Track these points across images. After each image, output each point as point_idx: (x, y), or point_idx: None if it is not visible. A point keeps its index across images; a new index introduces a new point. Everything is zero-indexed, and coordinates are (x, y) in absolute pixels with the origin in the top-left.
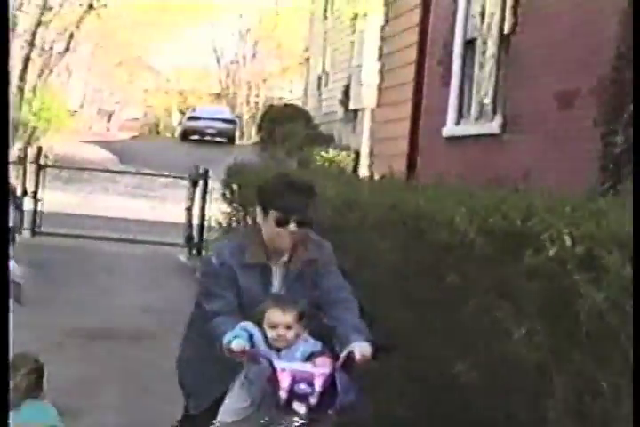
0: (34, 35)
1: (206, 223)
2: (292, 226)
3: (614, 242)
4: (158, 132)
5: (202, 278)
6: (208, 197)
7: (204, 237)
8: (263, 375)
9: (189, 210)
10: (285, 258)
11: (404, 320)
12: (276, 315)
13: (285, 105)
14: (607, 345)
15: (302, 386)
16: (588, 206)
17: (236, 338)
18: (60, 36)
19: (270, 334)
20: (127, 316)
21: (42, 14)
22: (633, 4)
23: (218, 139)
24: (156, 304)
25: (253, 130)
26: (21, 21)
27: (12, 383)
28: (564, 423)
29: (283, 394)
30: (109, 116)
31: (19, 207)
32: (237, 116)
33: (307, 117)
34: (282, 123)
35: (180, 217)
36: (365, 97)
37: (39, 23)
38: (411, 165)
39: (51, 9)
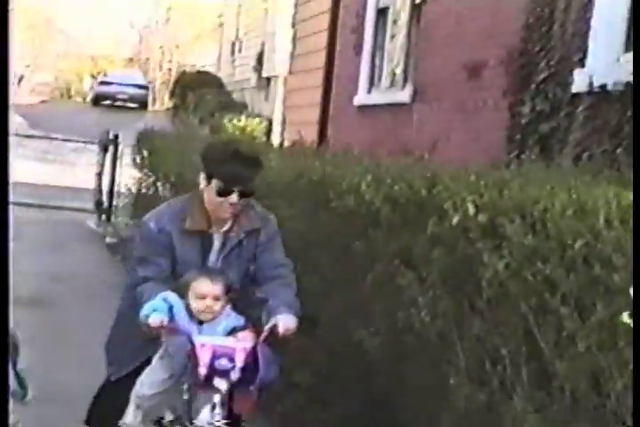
0: None
1: (116, 189)
2: (234, 197)
3: (516, 211)
4: (70, 97)
5: (137, 243)
6: (118, 162)
7: (114, 203)
8: (183, 350)
9: (99, 175)
10: (227, 227)
11: (309, 287)
12: (204, 285)
13: (198, 72)
14: (507, 312)
15: (223, 362)
16: (492, 175)
17: (155, 312)
18: None
19: (197, 305)
20: (33, 282)
21: None
22: (633, 4)
23: (130, 104)
24: (64, 270)
25: (166, 96)
26: None
27: None
28: (464, 390)
29: (202, 370)
30: (19, 80)
31: None
32: (150, 82)
33: (219, 84)
34: (194, 89)
35: (90, 183)
36: (278, 64)
37: None
38: (322, 133)
39: None
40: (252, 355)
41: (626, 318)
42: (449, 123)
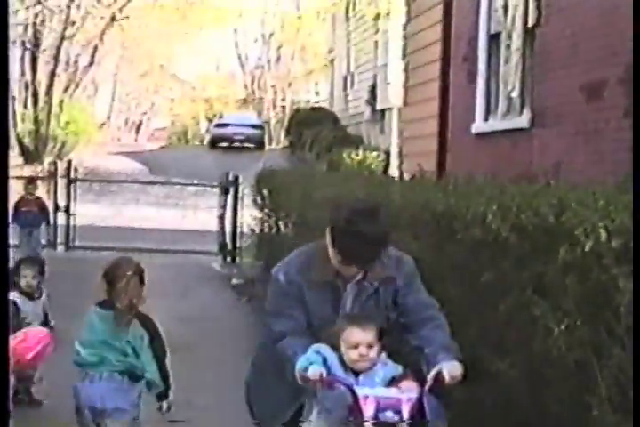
0: (58, 50)
1: (239, 230)
2: (353, 269)
3: None
4: (187, 141)
5: (269, 297)
6: (239, 203)
7: (237, 244)
8: (342, 403)
9: (221, 217)
10: (359, 277)
11: None
12: (355, 333)
13: (312, 108)
14: None
15: (389, 414)
16: (621, 198)
17: (312, 364)
18: (85, 50)
19: (351, 355)
20: (164, 325)
21: (65, 29)
22: (633, 4)
23: (246, 144)
24: (193, 313)
25: (282, 134)
26: (45, 37)
27: (118, 286)
28: (608, 421)
29: (368, 424)
30: (137, 127)
31: (50, 222)
32: (265, 121)
33: (334, 119)
34: (309, 126)
35: (212, 225)
36: (392, 96)
37: (63, 38)
38: (441, 163)
39: (74, 24)
40: (418, 406)
41: None
42: (571, 146)
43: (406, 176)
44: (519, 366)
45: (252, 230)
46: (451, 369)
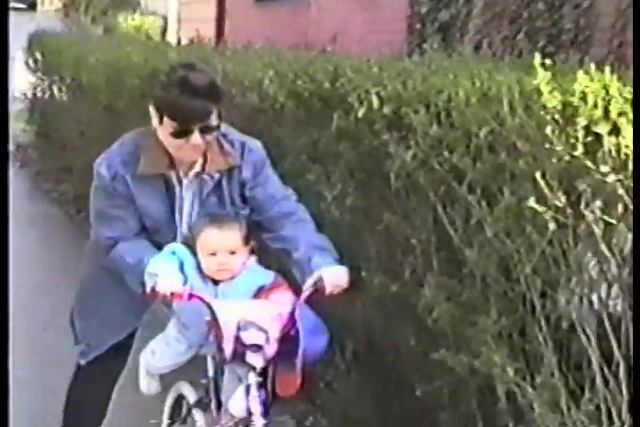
0: None
1: (10, 94)
2: (196, 137)
3: (420, 101)
4: None
5: (92, 197)
6: (10, 65)
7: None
8: (200, 320)
9: None
10: (197, 168)
11: None
12: (213, 236)
13: None
14: (416, 203)
15: (253, 333)
16: (395, 66)
17: (162, 273)
18: None
19: (208, 264)
20: None
21: None
22: (633, 4)
23: (17, 5)
24: None
25: None
26: None
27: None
28: (375, 281)
29: (228, 345)
30: None
31: None
32: None
33: None
34: None
35: None
36: None
37: None
38: (219, 30)
39: None
40: (291, 321)
41: (532, 202)
42: (349, 15)
43: (184, 42)
44: None
45: (24, 95)
46: (333, 275)
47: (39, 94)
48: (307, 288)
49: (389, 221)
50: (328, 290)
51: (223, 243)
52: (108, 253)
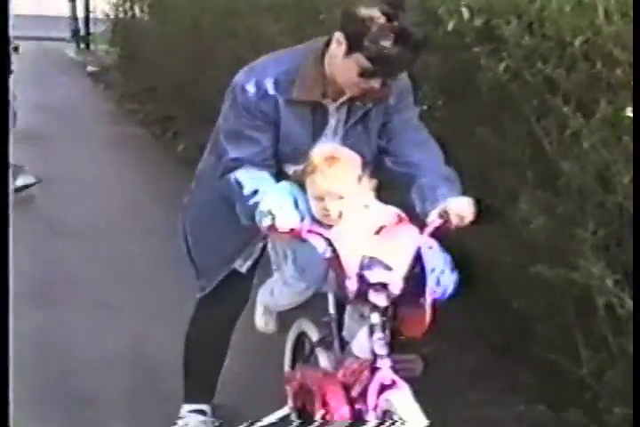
0: None
1: (92, 15)
2: (377, 82)
3: (512, 12)
4: None
5: (227, 112)
6: None
7: (91, 30)
8: (318, 259)
9: (73, 1)
10: (346, 96)
11: None
12: (321, 179)
13: None
14: (509, 116)
15: (377, 271)
16: None
17: (281, 209)
18: None
19: (315, 207)
20: (20, 114)
21: None
22: (633, 5)
23: None
24: (48, 102)
25: None
26: None
27: None
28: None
29: (352, 284)
30: None
31: None
32: None
33: None
34: None
35: (64, 10)
36: None
37: None
38: None
39: None
40: (417, 258)
41: (629, 112)
42: None
43: None
44: None
45: (107, 15)
46: (460, 207)
47: (121, 15)
48: (432, 221)
49: (481, 135)
50: (454, 222)
51: (330, 187)
52: (225, 176)
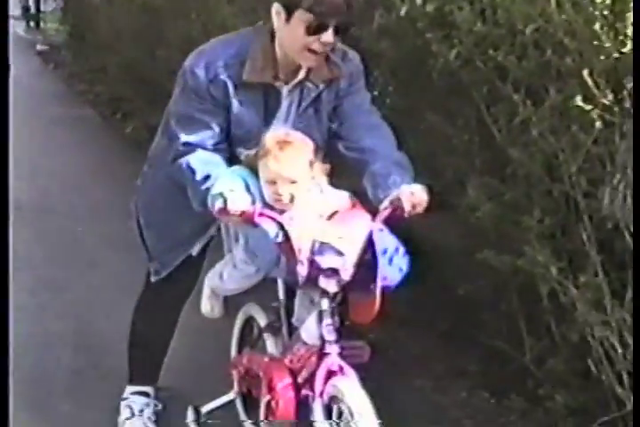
0: None
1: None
2: (329, 34)
3: None
4: None
5: (177, 97)
6: None
7: (42, 8)
8: (270, 244)
9: None
10: (300, 77)
11: None
12: (273, 163)
13: None
14: (459, 103)
15: (329, 256)
16: None
17: (231, 192)
18: None
19: (268, 191)
20: None
21: None
22: (633, 5)
23: None
24: None
25: None
26: None
27: None
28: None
29: (302, 269)
30: None
31: None
32: None
33: None
34: None
35: None
36: None
37: None
38: None
39: None
40: (368, 244)
41: (578, 101)
42: None
43: None
44: None
45: None
46: (413, 194)
47: None
48: (384, 208)
49: (431, 122)
50: (407, 209)
51: (283, 171)
52: (177, 161)
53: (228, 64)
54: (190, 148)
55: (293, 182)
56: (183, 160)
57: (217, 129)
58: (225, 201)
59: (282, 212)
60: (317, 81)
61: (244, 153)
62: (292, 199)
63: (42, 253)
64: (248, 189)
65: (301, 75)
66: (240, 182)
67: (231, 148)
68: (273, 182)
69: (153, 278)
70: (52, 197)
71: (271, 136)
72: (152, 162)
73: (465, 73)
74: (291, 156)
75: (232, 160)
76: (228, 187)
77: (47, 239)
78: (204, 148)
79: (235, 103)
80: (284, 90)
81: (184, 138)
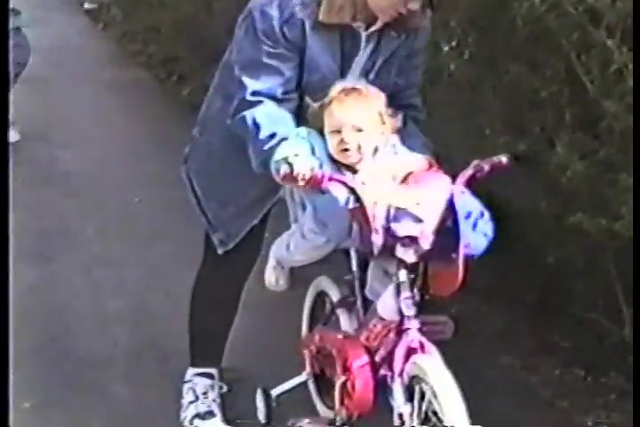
0: None
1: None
2: (417, 2)
3: None
4: None
5: (244, 42)
6: None
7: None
8: (341, 211)
9: None
10: (379, 25)
11: None
12: (339, 109)
13: None
14: (546, 51)
15: (406, 223)
16: None
17: (297, 157)
18: None
19: (331, 141)
20: None
21: None
22: (633, 5)
23: None
24: (44, 43)
25: None
26: None
27: None
28: (501, 139)
29: (377, 238)
30: None
31: None
32: None
33: None
34: None
35: None
36: None
37: None
38: None
39: None
40: (449, 208)
41: None
42: None
43: None
44: None
45: None
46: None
47: None
48: (470, 169)
49: (515, 73)
50: (487, 169)
51: (347, 117)
52: (240, 113)
53: (306, 2)
54: (258, 97)
55: (360, 131)
56: (248, 113)
57: (288, 75)
58: (291, 166)
59: (354, 172)
60: (400, 30)
61: (310, 106)
62: (359, 148)
63: (96, 227)
64: (313, 152)
65: (379, 23)
66: (306, 145)
67: (301, 98)
68: (337, 132)
69: (220, 250)
70: (105, 167)
71: (338, 86)
72: (204, 125)
73: (552, 18)
74: (357, 102)
75: (301, 112)
76: (293, 151)
77: (101, 212)
78: (274, 96)
79: (311, 46)
80: (363, 36)
81: (252, 86)
